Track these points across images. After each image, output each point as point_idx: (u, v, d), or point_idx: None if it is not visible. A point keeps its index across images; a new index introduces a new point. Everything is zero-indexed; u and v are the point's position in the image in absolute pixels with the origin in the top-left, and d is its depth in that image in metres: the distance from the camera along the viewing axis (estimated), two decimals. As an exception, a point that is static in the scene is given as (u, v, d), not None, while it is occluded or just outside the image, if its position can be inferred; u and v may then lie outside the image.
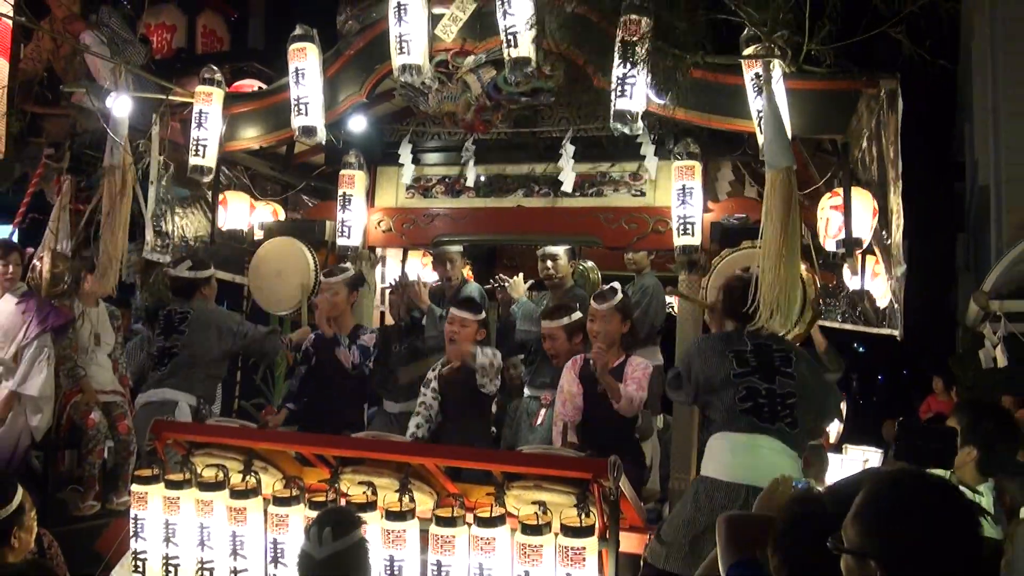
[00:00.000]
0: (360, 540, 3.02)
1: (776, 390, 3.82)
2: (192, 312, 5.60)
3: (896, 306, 5.00)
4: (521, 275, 6.13)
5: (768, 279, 4.02)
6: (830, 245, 4.99)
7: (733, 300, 4.06)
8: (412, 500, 3.92)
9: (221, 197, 6.36)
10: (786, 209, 4.08)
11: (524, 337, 5.85)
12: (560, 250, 5.89)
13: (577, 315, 5.14)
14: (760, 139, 4.55)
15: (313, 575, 2.94)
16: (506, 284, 6.04)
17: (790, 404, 3.81)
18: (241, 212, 6.50)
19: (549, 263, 5.91)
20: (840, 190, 4.94)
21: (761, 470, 3.13)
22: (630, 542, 3.99)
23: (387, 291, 6.36)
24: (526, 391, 5.85)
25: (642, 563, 3.87)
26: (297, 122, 5.48)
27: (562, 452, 4.16)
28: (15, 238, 6.87)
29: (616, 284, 5.01)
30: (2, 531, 3.44)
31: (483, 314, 5.26)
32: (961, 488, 2.08)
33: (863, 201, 4.96)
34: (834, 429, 7.40)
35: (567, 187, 5.49)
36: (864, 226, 4.96)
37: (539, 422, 5.54)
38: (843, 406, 7.21)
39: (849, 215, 4.85)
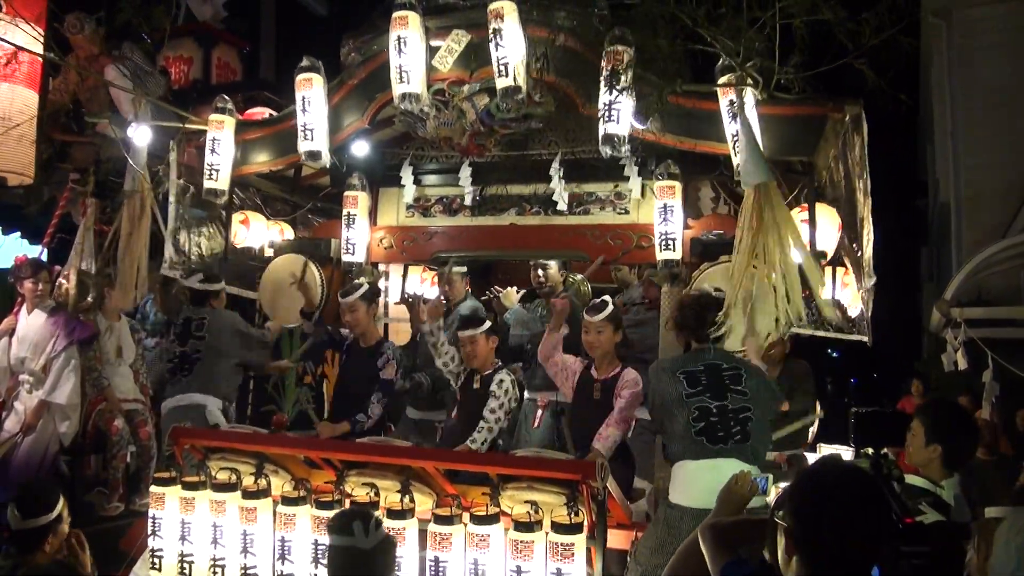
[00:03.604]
0: (389, 534, 2.97)
1: (728, 406, 3.76)
2: (208, 317, 5.57)
3: (866, 314, 4.97)
4: (513, 287, 6.11)
5: (735, 295, 4.01)
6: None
7: (684, 316, 4.00)
8: (412, 500, 3.90)
9: (243, 217, 6.35)
10: (761, 221, 4.08)
11: (518, 341, 5.82)
12: (551, 261, 5.89)
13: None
14: (735, 160, 4.55)
15: (357, 570, 2.82)
16: (499, 295, 6.02)
17: (743, 419, 3.74)
18: (260, 231, 6.50)
19: (540, 272, 5.90)
20: (807, 205, 4.93)
21: None
22: (617, 538, 3.97)
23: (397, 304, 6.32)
24: (524, 394, 5.82)
25: None
26: (303, 147, 5.46)
27: (552, 455, 4.13)
28: (44, 257, 6.83)
29: (607, 297, 4.98)
30: (40, 535, 3.40)
31: (485, 324, 5.20)
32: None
33: (828, 216, 4.95)
34: (810, 430, 7.37)
35: (562, 206, 5.49)
36: (829, 239, 4.95)
37: (536, 425, 5.50)
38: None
39: (814, 228, 4.83)
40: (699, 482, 3.73)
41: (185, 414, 5.31)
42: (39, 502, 3.44)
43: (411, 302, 5.76)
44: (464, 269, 6.10)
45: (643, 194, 5.38)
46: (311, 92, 5.43)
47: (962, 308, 7.15)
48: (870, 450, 3.68)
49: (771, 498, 3.66)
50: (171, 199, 5.96)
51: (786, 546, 1.86)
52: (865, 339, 5.19)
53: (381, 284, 6.57)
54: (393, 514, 3.79)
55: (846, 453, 7.09)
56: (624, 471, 4.68)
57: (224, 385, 5.61)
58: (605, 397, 4.75)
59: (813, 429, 7.53)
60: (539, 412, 5.54)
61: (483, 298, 6.23)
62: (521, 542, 3.58)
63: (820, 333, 5.73)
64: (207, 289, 5.66)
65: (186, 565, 4.25)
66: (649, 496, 4.75)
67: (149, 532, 4.36)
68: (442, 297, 6.21)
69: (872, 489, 1.86)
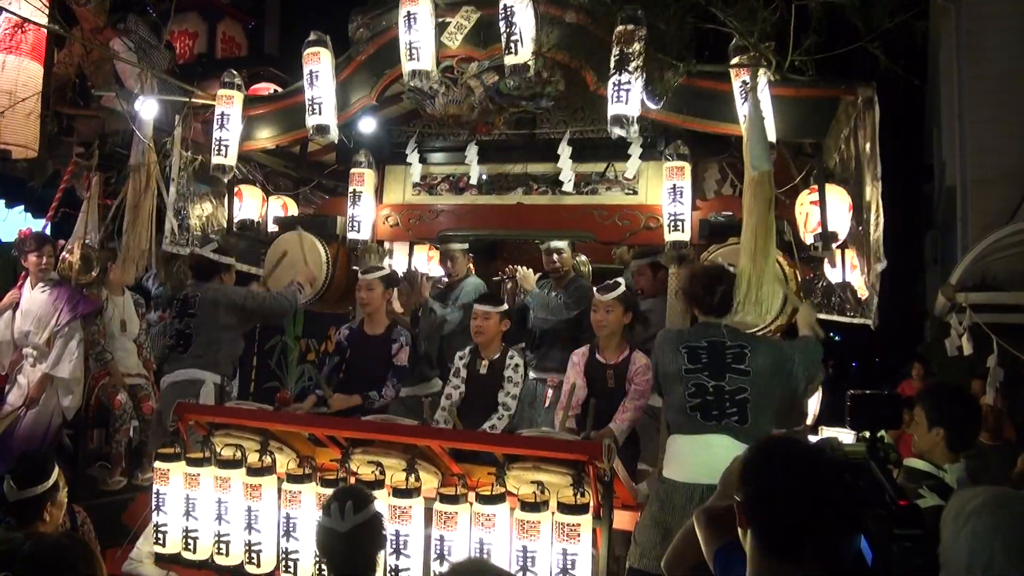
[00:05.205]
0: (376, 514, 2.97)
1: (725, 387, 3.72)
2: (201, 294, 5.46)
3: (873, 298, 4.95)
4: (530, 269, 6.05)
5: (746, 274, 3.97)
6: (809, 239, 4.94)
7: (693, 286, 3.95)
8: (418, 479, 3.89)
9: (236, 190, 6.32)
10: (765, 207, 4.05)
11: (542, 325, 5.77)
12: (564, 244, 5.81)
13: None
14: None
15: (336, 549, 2.87)
16: (517, 275, 5.96)
17: (739, 400, 3.70)
18: (253, 205, 6.45)
19: (555, 256, 5.82)
20: (816, 186, 4.90)
21: (714, 468, 3.06)
22: (622, 519, 3.95)
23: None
24: (531, 374, 5.79)
25: (627, 566, 3.83)
26: (311, 121, 5.43)
27: (560, 435, 4.11)
28: (47, 231, 6.81)
29: (620, 279, 4.93)
30: (37, 505, 3.42)
31: (503, 305, 5.17)
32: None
33: (838, 197, 4.91)
34: (811, 411, 7.37)
35: (568, 186, 5.43)
36: (840, 220, 4.91)
37: (546, 405, 5.48)
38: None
39: (825, 210, 4.80)
40: (690, 457, 3.74)
41: (182, 390, 5.27)
42: (34, 472, 3.45)
43: (411, 277, 5.74)
44: (465, 246, 6.06)
45: (651, 175, 5.33)
46: (319, 66, 5.39)
47: (967, 293, 7.14)
48: (867, 433, 3.64)
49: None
50: (174, 173, 5.93)
51: (739, 520, 1.86)
52: (869, 322, 5.18)
53: (386, 262, 6.54)
54: (399, 492, 3.79)
55: (846, 435, 7.09)
56: (630, 452, 4.68)
57: (222, 361, 5.50)
58: (619, 384, 4.74)
59: (814, 411, 7.55)
60: (549, 392, 5.52)
61: (495, 278, 6.18)
62: (527, 522, 3.58)
63: (823, 316, 5.73)
64: (219, 261, 5.57)
65: (190, 540, 4.26)
66: (650, 479, 4.75)
67: (153, 507, 4.37)
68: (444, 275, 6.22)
69: (822, 466, 1.83)
